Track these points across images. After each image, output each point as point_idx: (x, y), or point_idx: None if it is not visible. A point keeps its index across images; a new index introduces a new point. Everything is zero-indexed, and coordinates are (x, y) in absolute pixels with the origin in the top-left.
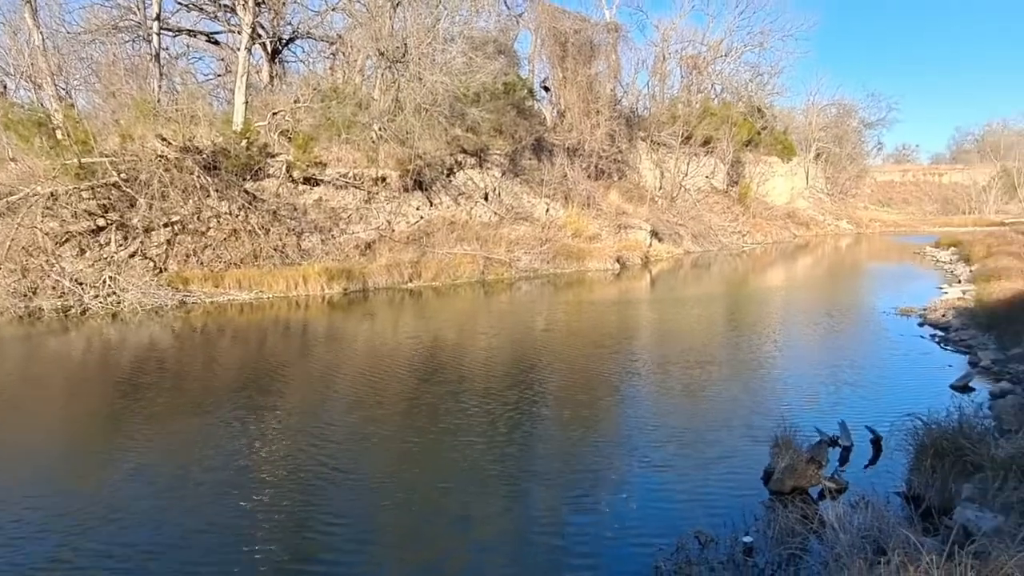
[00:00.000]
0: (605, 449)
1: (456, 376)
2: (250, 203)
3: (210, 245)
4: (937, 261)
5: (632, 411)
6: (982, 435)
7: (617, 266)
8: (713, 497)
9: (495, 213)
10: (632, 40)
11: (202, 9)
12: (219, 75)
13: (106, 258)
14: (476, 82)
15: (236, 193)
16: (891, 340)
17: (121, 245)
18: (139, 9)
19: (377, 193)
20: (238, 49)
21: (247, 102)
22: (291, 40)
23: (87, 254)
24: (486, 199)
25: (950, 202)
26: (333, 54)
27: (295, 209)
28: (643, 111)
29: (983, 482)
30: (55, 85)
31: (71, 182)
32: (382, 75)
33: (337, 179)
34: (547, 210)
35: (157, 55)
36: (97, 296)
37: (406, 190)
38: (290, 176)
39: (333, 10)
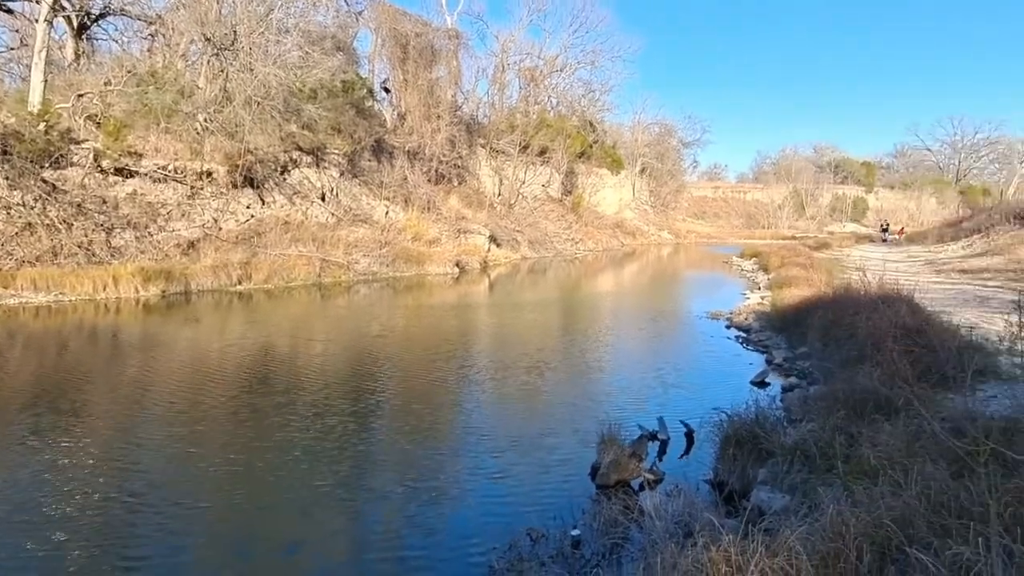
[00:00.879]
0: (441, 457)
1: (288, 386)
2: (49, 194)
3: None
4: (741, 270)
5: (469, 417)
6: (774, 425)
7: (456, 270)
8: (546, 495)
9: (332, 214)
10: (473, 48)
11: None
12: (12, 48)
13: None
14: (313, 77)
15: (32, 182)
16: (703, 341)
17: None
18: None
19: (202, 188)
20: (36, 20)
21: (46, 81)
22: (102, 16)
23: None
24: (323, 199)
25: (753, 217)
26: (152, 35)
27: (104, 202)
28: (483, 118)
29: (775, 466)
30: None
31: None
32: (208, 62)
33: (156, 171)
34: (387, 213)
35: None
36: None
37: (235, 186)
38: (98, 166)
39: None
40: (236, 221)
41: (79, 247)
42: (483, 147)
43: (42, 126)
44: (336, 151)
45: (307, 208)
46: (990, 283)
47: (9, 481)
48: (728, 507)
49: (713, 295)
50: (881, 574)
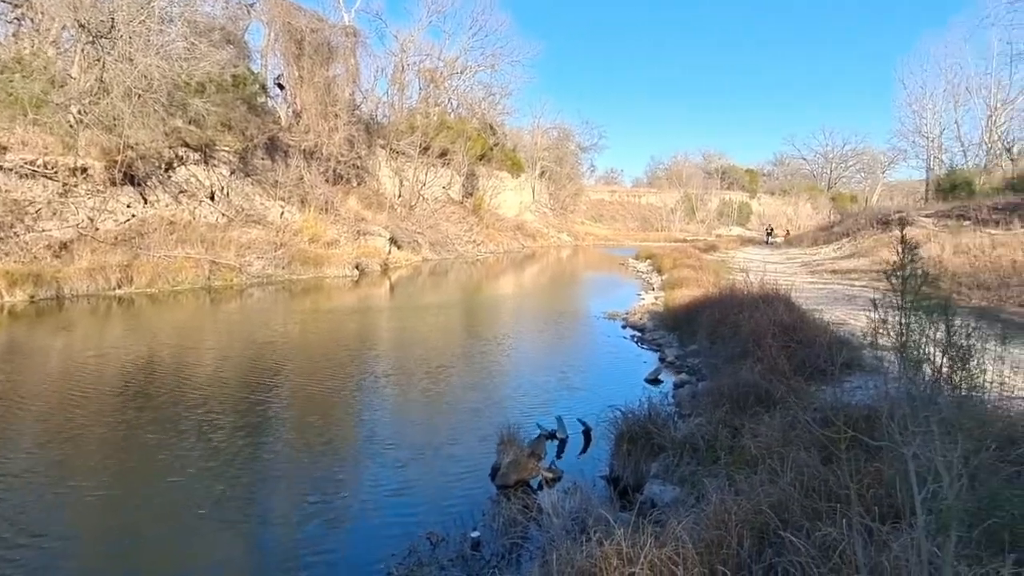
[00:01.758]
0: (339, 470)
1: (172, 400)
2: None
3: None
4: (637, 271)
5: (369, 427)
6: (665, 420)
7: (356, 272)
8: (447, 499)
9: (223, 214)
10: (371, 47)
11: None
12: None
13: None
14: (200, 70)
15: None
16: (601, 341)
17: None
18: None
19: (76, 186)
20: None
21: None
22: None
23: None
24: (212, 199)
25: (647, 220)
26: (18, 19)
27: None
28: (383, 119)
29: (667, 460)
30: None
31: None
32: (82, 51)
33: (22, 166)
34: (282, 213)
35: None
36: None
37: (114, 184)
38: None
39: None
40: (115, 221)
41: None
42: (383, 148)
43: None
44: (226, 148)
45: (195, 208)
46: (857, 283)
47: None
48: (623, 501)
49: (610, 296)
50: (760, 557)
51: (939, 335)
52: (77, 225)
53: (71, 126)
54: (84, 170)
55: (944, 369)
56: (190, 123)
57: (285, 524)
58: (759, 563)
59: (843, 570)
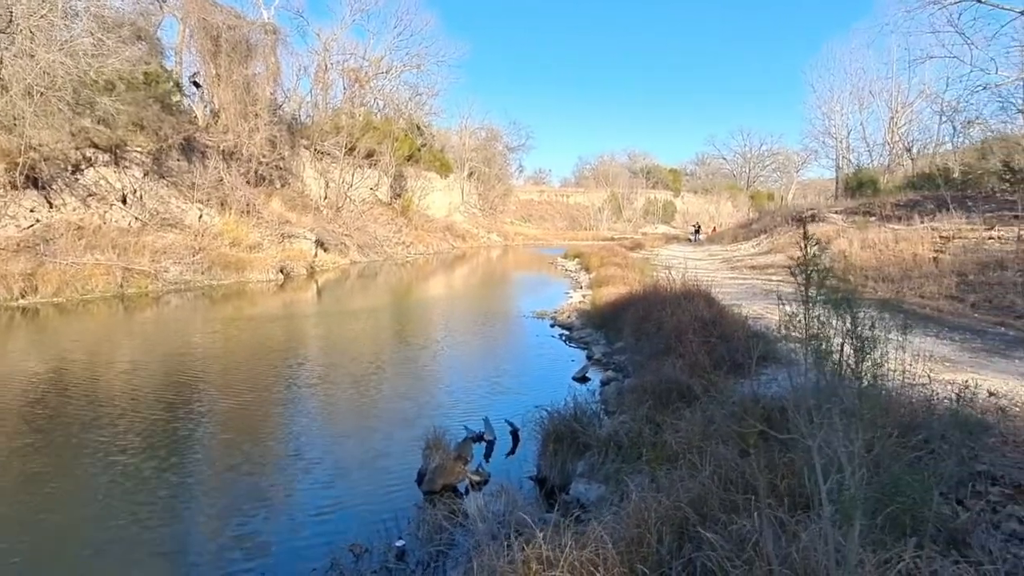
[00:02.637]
0: (260, 485)
1: (81, 419)
2: None
3: None
4: (566, 270)
5: (293, 439)
6: (591, 418)
7: (281, 276)
8: (373, 508)
9: (136, 218)
10: (292, 45)
11: None
12: None
13: None
14: (108, 67)
15: None
16: (529, 341)
17: None
18: None
19: None
20: None
21: None
22: None
23: None
24: (124, 202)
25: (575, 220)
26: None
27: None
28: (306, 119)
29: (592, 458)
30: None
31: None
32: None
33: None
34: (200, 216)
35: None
36: None
37: (15, 187)
38: None
39: None
40: (17, 226)
41: None
42: (307, 148)
43: None
44: (139, 149)
45: (105, 211)
46: (774, 278)
47: None
48: (550, 502)
49: (540, 295)
50: (679, 553)
51: (847, 327)
52: None
53: None
54: None
55: (849, 360)
56: (99, 123)
57: (201, 549)
58: (678, 559)
59: (756, 563)
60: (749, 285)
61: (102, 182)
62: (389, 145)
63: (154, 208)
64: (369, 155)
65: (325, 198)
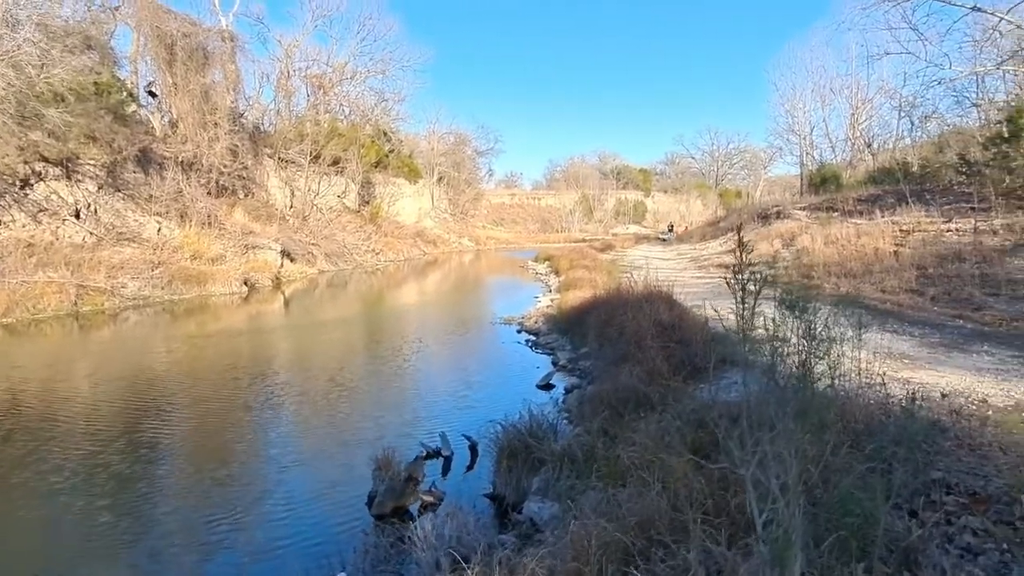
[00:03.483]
0: (206, 517)
1: (15, 453)
2: None
3: None
4: (536, 273)
5: (245, 466)
6: (547, 431)
7: (245, 289)
8: (321, 537)
9: (91, 233)
10: (252, 52)
11: None
12: None
13: None
14: (55, 78)
15: None
16: (495, 348)
17: None
18: None
19: None
20: None
21: None
22: None
23: None
24: (77, 217)
25: (547, 222)
26: None
27: None
28: (269, 127)
29: (547, 474)
30: None
31: None
32: None
33: None
34: (159, 229)
35: None
36: None
37: None
38: None
39: None
40: None
41: None
42: (271, 157)
43: None
44: (92, 162)
45: (57, 227)
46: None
47: None
48: (505, 521)
49: (509, 300)
50: None
51: (800, 330)
52: None
53: None
54: None
55: (806, 363)
56: (49, 136)
57: None
58: None
59: None
60: (715, 284)
61: (53, 197)
62: (355, 152)
63: (110, 222)
64: (335, 162)
65: (291, 207)
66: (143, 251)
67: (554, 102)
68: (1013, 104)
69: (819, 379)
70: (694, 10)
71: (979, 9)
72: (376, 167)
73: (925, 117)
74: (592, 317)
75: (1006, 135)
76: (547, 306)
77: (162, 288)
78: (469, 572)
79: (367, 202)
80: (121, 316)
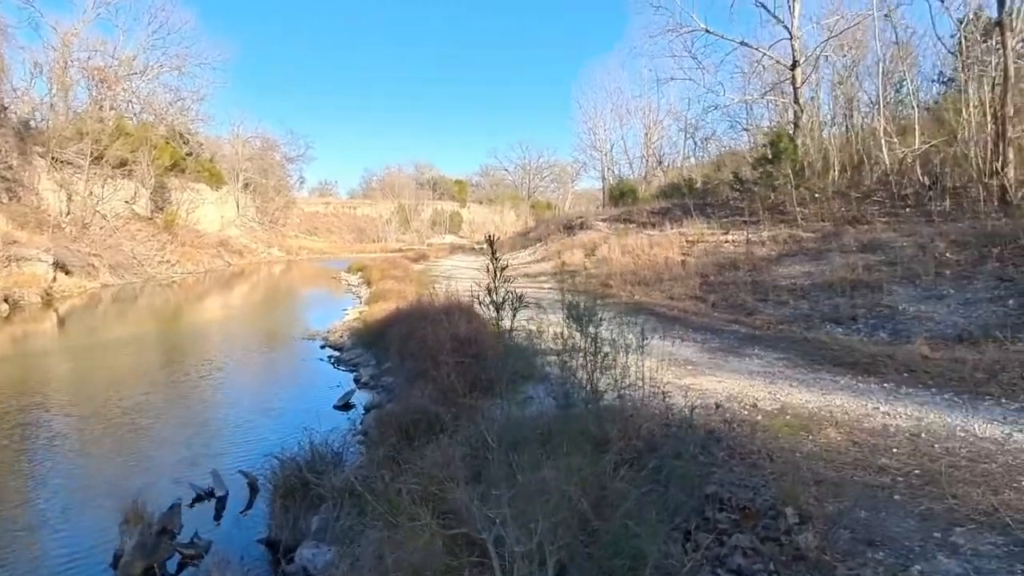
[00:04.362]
0: None
1: None
2: None
3: None
4: (348, 284)
5: None
6: (330, 462)
7: (6, 307)
8: None
9: None
10: (19, 39)
11: None
12: None
13: None
14: None
15: None
16: (295, 367)
17: None
18: None
19: None
20: None
21: None
22: None
23: None
24: None
25: (363, 232)
26: None
27: None
28: (42, 123)
29: (327, 512)
30: None
31: None
32: None
33: None
34: None
35: None
36: None
37: None
38: None
39: None
40: None
41: None
42: (43, 157)
43: None
44: None
45: None
46: (545, 285)
47: None
48: (279, 571)
49: (317, 313)
50: None
51: (599, 339)
52: None
53: None
54: None
55: (589, 377)
56: None
57: None
58: None
59: None
60: (520, 294)
61: None
62: (147, 153)
63: None
64: (122, 164)
65: (68, 213)
66: None
67: (370, 111)
68: (775, 129)
69: (606, 391)
70: (508, 24)
71: (746, 44)
72: (172, 170)
73: (705, 138)
74: (395, 330)
75: (770, 156)
76: (354, 319)
77: None
78: None
79: (161, 208)
80: None
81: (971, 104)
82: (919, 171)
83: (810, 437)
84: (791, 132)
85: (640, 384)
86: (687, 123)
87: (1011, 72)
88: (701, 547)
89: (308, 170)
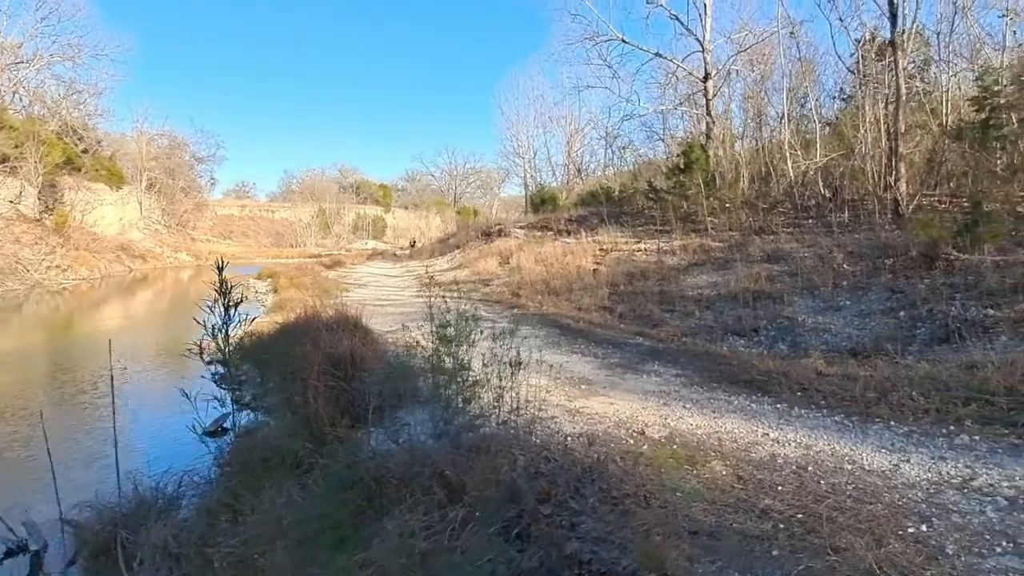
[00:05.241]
0: None
1: None
2: None
3: None
4: (256, 292)
5: None
6: (157, 510)
7: None
8: None
9: None
10: None
11: None
12: None
13: None
14: None
15: None
16: (170, 386)
17: None
18: None
19: None
20: None
21: None
22: None
23: None
24: None
25: (282, 236)
26: None
27: None
28: None
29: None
30: None
31: None
32: None
33: None
34: None
35: None
36: None
37: None
38: None
39: None
40: None
41: None
42: None
43: None
44: None
45: None
46: (454, 295)
47: None
48: None
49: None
50: None
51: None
52: None
53: None
54: None
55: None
56: None
57: None
58: None
59: None
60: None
61: None
62: (34, 149)
63: None
64: (3, 160)
65: None
66: None
67: (291, 112)
68: (688, 140)
69: (482, 422)
70: (432, 28)
71: (660, 55)
72: (65, 168)
73: (622, 147)
74: (281, 345)
75: (683, 166)
76: (249, 331)
77: None
78: None
79: (51, 209)
80: None
81: (867, 120)
82: (821, 184)
83: (694, 471)
84: (703, 143)
85: (522, 411)
86: (607, 132)
87: (903, 91)
88: None
89: (221, 171)
